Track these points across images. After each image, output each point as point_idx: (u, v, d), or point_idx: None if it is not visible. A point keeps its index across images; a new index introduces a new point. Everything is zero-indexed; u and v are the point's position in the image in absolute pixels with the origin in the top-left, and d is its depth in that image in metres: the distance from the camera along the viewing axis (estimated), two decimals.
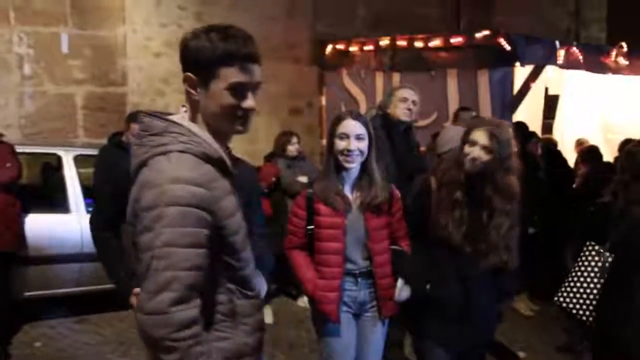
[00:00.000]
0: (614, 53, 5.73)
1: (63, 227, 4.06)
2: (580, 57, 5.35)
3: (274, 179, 4.49)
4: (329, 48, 6.14)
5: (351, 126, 2.28)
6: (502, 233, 2.29)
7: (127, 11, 5.59)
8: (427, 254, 2.37)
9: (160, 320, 1.17)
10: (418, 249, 2.44)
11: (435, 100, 4.83)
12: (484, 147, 2.22)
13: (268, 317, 4.40)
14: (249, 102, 1.33)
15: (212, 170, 1.29)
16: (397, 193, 2.43)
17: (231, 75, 1.29)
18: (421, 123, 4.66)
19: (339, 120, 2.33)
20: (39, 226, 4.00)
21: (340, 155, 2.27)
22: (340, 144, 2.27)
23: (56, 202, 4.24)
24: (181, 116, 1.37)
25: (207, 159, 1.29)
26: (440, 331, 2.36)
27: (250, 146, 5.31)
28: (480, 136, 2.25)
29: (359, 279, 2.35)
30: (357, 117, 2.35)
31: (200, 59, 1.29)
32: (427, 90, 4.85)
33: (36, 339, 3.96)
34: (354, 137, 2.26)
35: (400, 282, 2.37)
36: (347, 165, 2.28)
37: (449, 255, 2.30)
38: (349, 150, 2.25)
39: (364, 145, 2.28)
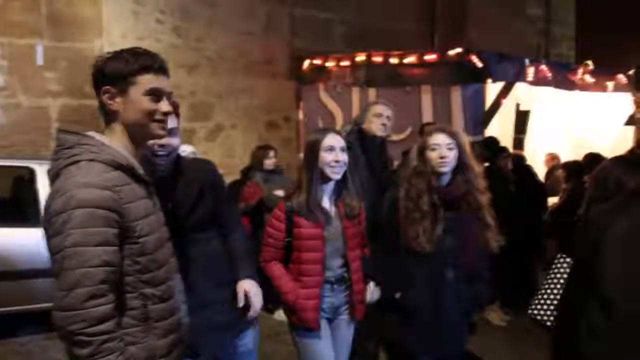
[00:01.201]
0: (580, 71, 5.94)
1: (35, 241, 3.99)
2: (549, 75, 5.53)
3: (257, 198, 4.50)
4: (306, 63, 6.23)
5: (336, 140, 2.42)
6: (488, 218, 2.40)
7: (104, 24, 5.59)
8: (397, 264, 2.46)
9: (75, 315, 1.26)
10: (389, 259, 2.53)
11: (410, 115, 4.93)
12: (447, 145, 2.36)
13: None
14: (166, 106, 1.46)
15: (121, 176, 1.39)
16: (362, 204, 2.57)
17: (149, 81, 1.43)
18: (396, 137, 4.74)
19: (323, 135, 2.43)
20: (11, 240, 3.94)
21: (327, 167, 2.39)
22: (328, 157, 2.38)
23: (28, 215, 4.18)
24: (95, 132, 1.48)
25: (117, 166, 1.39)
26: (411, 340, 2.43)
27: (227, 160, 5.34)
28: (439, 138, 2.39)
29: (335, 285, 2.47)
30: (337, 132, 2.53)
31: (118, 71, 1.42)
32: (402, 106, 4.95)
33: (5, 357, 3.88)
34: (339, 149, 2.40)
35: (371, 284, 2.54)
36: (334, 176, 2.41)
37: (419, 264, 2.38)
38: (336, 162, 2.38)
39: (346, 157, 2.43)
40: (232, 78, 6.17)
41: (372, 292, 2.56)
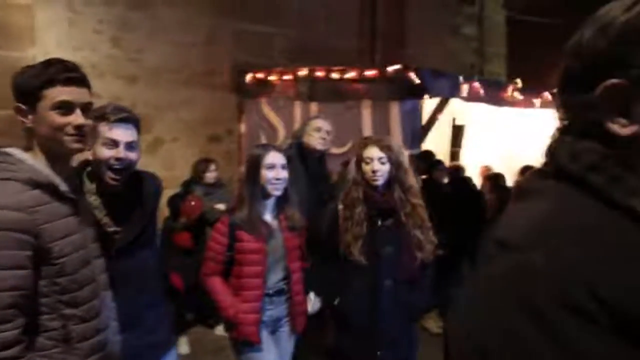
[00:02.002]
0: (510, 88, 6.29)
1: None
2: (481, 91, 5.81)
3: (198, 212, 4.45)
4: (249, 76, 6.24)
5: (277, 157, 2.49)
6: (424, 227, 2.49)
7: (37, 32, 5.39)
8: (336, 271, 2.53)
9: None
10: (329, 267, 2.59)
11: (351, 129, 5.04)
12: (380, 159, 2.46)
13: (184, 347, 4.31)
14: (77, 119, 1.41)
15: (40, 195, 1.35)
16: (304, 218, 2.66)
17: (56, 94, 1.38)
18: (337, 151, 4.84)
19: (264, 152, 2.47)
20: None
21: (269, 185, 2.44)
22: (269, 174, 2.44)
23: None
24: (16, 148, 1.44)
25: (36, 184, 1.35)
26: (347, 345, 2.49)
27: (167, 172, 5.24)
28: (372, 152, 2.49)
29: (274, 298, 2.51)
30: (278, 149, 2.61)
31: (25, 86, 1.39)
32: (343, 120, 5.08)
33: None
34: (280, 166, 2.46)
35: (312, 295, 2.57)
36: (275, 192, 2.46)
37: (357, 273, 2.45)
38: (277, 179, 2.43)
39: (286, 174, 2.50)
40: (173, 90, 6.10)
41: (313, 303, 2.62)
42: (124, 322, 1.74)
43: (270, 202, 2.52)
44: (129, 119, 1.85)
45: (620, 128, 0.70)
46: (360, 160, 2.55)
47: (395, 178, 2.52)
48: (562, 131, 0.79)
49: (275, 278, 2.51)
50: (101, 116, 1.74)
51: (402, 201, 2.51)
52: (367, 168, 2.51)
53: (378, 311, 2.44)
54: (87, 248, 1.47)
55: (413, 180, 2.57)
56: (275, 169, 2.45)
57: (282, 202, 2.54)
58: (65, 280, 1.36)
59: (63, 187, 1.43)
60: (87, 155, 1.83)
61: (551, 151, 0.78)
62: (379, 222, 2.50)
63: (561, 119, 0.79)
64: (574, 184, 0.72)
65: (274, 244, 2.48)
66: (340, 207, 2.58)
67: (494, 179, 5.03)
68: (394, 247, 2.46)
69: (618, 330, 0.61)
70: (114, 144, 1.80)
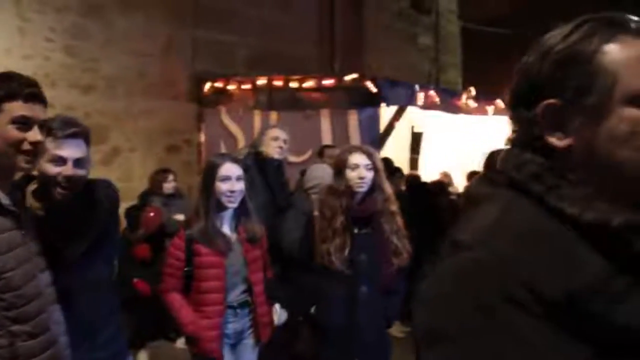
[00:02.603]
0: (464, 96, 6.48)
1: None
2: (437, 99, 5.96)
3: (157, 224, 4.37)
4: (208, 86, 6.21)
5: (232, 169, 2.43)
6: (400, 234, 2.51)
7: None
8: (312, 280, 2.52)
9: None
10: (304, 277, 2.59)
11: (310, 138, 5.08)
12: (367, 166, 2.46)
13: None
14: (35, 136, 1.40)
15: None
16: (264, 228, 2.60)
17: (14, 109, 1.36)
18: (297, 159, 4.87)
19: (219, 164, 2.44)
20: None
21: (223, 197, 2.39)
22: (224, 186, 2.39)
23: None
24: None
25: None
26: (326, 355, 2.49)
27: (124, 184, 5.15)
28: (359, 158, 2.49)
29: (238, 310, 2.47)
30: (234, 160, 2.55)
31: None
32: (302, 129, 5.12)
33: None
34: (235, 178, 2.41)
35: (277, 306, 2.54)
36: (230, 205, 2.41)
37: (333, 282, 2.45)
38: (232, 192, 2.38)
39: (242, 185, 2.44)
40: (130, 100, 6.00)
41: (280, 314, 2.58)
42: (77, 336, 1.70)
43: (228, 214, 2.47)
44: (78, 134, 1.81)
45: (558, 141, 0.80)
46: (343, 167, 2.52)
47: (377, 185, 2.53)
48: (511, 143, 0.89)
49: (237, 291, 2.46)
50: (48, 131, 1.69)
51: (379, 210, 2.51)
52: (352, 175, 2.48)
53: (355, 318, 2.44)
54: (32, 262, 1.43)
55: (391, 191, 2.58)
56: (230, 181, 2.40)
57: (240, 214, 2.50)
58: (11, 296, 1.33)
59: (5, 200, 1.39)
60: None
61: (502, 161, 0.87)
62: (356, 230, 2.50)
63: (511, 132, 0.89)
64: (520, 191, 0.81)
65: (234, 257, 2.44)
66: (317, 215, 2.56)
67: (435, 186, 5.15)
68: (369, 255, 2.46)
69: (552, 319, 0.70)
70: (62, 161, 1.75)
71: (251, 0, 7.06)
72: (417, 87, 5.72)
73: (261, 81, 5.76)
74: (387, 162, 4.95)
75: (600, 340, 0.71)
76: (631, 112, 0.75)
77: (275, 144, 3.49)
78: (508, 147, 0.88)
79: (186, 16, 6.45)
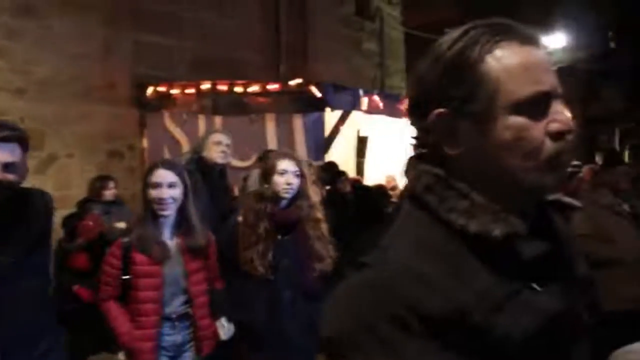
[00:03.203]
0: (406, 101, 6.63)
1: None
2: (381, 104, 6.08)
3: (97, 232, 4.22)
4: (150, 90, 6.07)
5: (163, 175, 2.35)
6: (324, 240, 2.53)
7: None
8: (237, 287, 2.51)
9: None
10: (229, 283, 2.57)
11: (255, 142, 5.07)
12: (295, 172, 2.48)
13: None
14: None
15: None
16: (212, 236, 2.54)
17: None
18: (242, 164, 4.85)
19: (151, 169, 2.39)
20: None
21: (154, 204, 2.32)
22: (153, 193, 2.32)
23: None
24: None
25: None
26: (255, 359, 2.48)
27: (61, 192, 4.96)
28: (288, 164, 2.51)
29: (177, 323, 2.39)
30: (168, 166, 2.44)
31: None
32: (247, 134, 5.10)
33: None
34: (166, 185, 2.34)
35: (223, 320, 2.48)
36: (161, 213, 2.34)
37: (258, 288, 2.45)
38: (161, 199, 2.31)
39: (176, 192, 2.37)
40: (67, 104, 5.77)
41: (226, 328, 2.53)
42: (13, 347, 1.63)
43: (168, 221, 2.40)
44: (10, 137, 1.74)
45: (450, 150, 0.80)
46: (271, 173, 2.53)
47: (302, 192, 2.55)
48: (414, 153, 0.88)
49: (176, 302, 2.39)
50: None
51: (303, 216, 2.54)
52: (280, 180, 2.50)
53: (279, 322, 2.46)
54: None
55: (316, 198, 2.62)
56: (160, 188, 2.33)
57: (181, 221, 2.44)
58: None
59: None
60: None
61: (404, 172, 0.87)
62: (280, 236, 2.51)
63: (412, 140, 0.88)
64: (418, 204, 0.82)
65: (172, 267, 2.37)
66: (240, 221, 2.56)
67: (377, 191, 5.26)
68: (292, 259, 2.49)
69: (439, 338, 0.70)
70: None
71: (196, 4, 6.96)
72: (361, 92, 5.82)
73: (205, 85, 5.69)
74: (331, 166, 5.01)
75: (485, 353, 0.71)
76: (515, 119, 0.75)
77: (217, 149, 3.47)
78: (410, 156, 0.88)
79: (127, 19, 6.29)
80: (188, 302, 2.41)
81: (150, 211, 2.35)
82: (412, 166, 0.85)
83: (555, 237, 0.85)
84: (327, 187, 4.54)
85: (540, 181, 0.77)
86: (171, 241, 2.40)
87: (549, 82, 0.78)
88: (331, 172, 4.80)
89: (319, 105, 5.28)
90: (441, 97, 0.79)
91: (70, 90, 5.79)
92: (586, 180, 5.20)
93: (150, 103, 6.10)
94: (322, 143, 5.45)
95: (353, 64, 9.11)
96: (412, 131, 0.87)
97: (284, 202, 2.54)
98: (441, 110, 0.79)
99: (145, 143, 6.31)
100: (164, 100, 5.97)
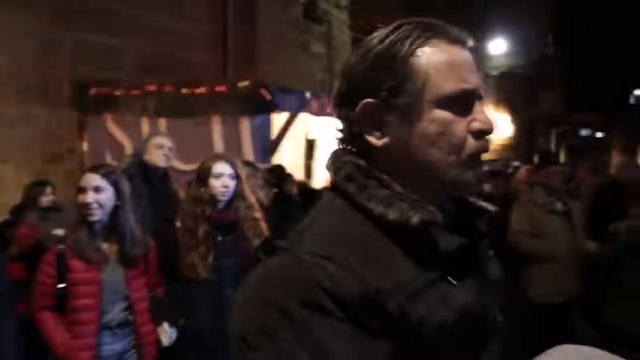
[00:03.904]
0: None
1: None
2: (329, 107, 6.12)
3: (33, 240, 4.03)
4: (92, 91, 5.87)
5: (89, 179, 2.33)
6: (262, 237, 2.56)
7: None
8: (179, 291, 2.49)
9: None
10: (171, 289, 2.55)
11: (201, 145, 5.00)
12: (230, 175, 2.51)
13: None
14: None
15: None
16: (152, 241, 2.51)
17: None
18: (187, 168, 4.76)
19: (82, 174, 2.35)
20: None
21: (81, 210, 2.27)
22: (79, 198, 2.28)
23: None
24: None
25: None
26: None
27: None
28: (223, 167, 2.53)
29: (117, 330, 2.35)
30: (97, 169, 2.41)
31: None
32: (193, 136, 5.02)
33: None
34: (92, 189, 2.29)
35: (165, 325, 2.45)
36: (88, 218, 2.29)
37: (200, 291, 2.45)
38: (86, 203, 2.26)
39: (103, 197, 2.32)
40: (2, 105, 5.50)
41: (168, 333, 2.50)
42: None
43: (103, 227, 2.37)
44: None
45: (375, 140, 0.83)
46: (207, 176, 2.55)
47: (238, 193, 2.58)
48: (338, 143, 0.90)
49: (116, 309, 2.35)
50: None
51: (245, 215, 2.58)
52: (217, 183, 2.53)
53: (224, 324, 2.45)
54: None
55: (252, 199, 2.66)
56: (85, 192, 2.29)
57: (113, 227, 2.39)
58: None
59: None
60: None
61: (329, 162, 0.89)
62: (219, 238, 2.53)
63: (337, 132, 0.90)
64: (339, 192, 0.83)
65: (111, 273, 2.33)
66: (179, 224, 2.55)
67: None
68: (234, 259, 2.50)
69: (353, 321, 0.72)
70: None
71: (142, 4, 6.79)
72: (308, 94, 5.85)
73: (150, 87, 5.56)
74: (278, 168, 5.01)
75: (399, 340, 0.73)
76: (440, 114, 0.79)
77: (160, 152, 3.41)
78: (335, 149, 0.90)
79: (70, 17, 6.05)
80: (128, 308, 2.37)
81: (81, 217, 2.31)
82: (336, 158, 0.87)
83: (474, 237, 0.88)
84: (274, 190, 4.55)
85: (460, 176, 0.81)
86: (110, 246, 2.35)
87: (474, 81, 0.82)
88: (278, 174, 4.80)
89: (266, 108, 5.27)
90: (369, 89, 0.81)
91: (5, 90, 5.51)
92: (523, 180, 5.44)
93: (91, 105, 5.90)
94: (269, 145, 5.44)
95: (301, 67, 9.14)
96: (338, 124, 0.89)
97: (221, 204, 2.56)
98: (369, 100, 0.81)
99: (85, 146, 6.09)
100: (107, 102, 5.79)
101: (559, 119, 22.40)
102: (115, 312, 2.34)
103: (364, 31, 10.96)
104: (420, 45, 0.80)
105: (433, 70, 0.80)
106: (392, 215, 0.77)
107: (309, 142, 7.11)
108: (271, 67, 7.97)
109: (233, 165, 2.59)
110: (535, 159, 11.78)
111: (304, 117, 6.20)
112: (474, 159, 0.81)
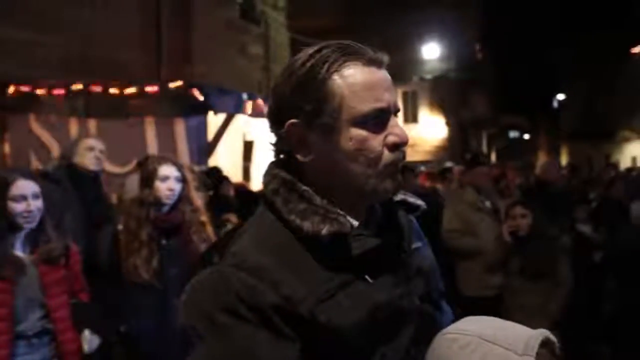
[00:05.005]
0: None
1: None
2: (265, 108, 6.10)
3: None
4: (12, 90, 5.54)
5: (27, 187, 2.21)
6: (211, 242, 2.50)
7: None
8: (120, 297, 2.40)
9: None
10: (111, 292, 2.46)
11: (134, 147, 4.85)
12: (177, 177, 2.45)
13: None
14: None
15: None
16: (75, 246, 2.41)
17: None
18: (119, 170, 4.61)
19: (10, 181, 2.21)
20: None
21: (19, 218, 2.17)
22: (19, 207, 2.17)
23: None
24: None
25: None
26: None
27: None
28: (169, 170, 2.47)
29: (34, 340, 2.23)
30: (28, 176, 2.30)
31: None
32: (125, 138, 4.86)
33: None
34: (32, 196, 2.19)
35: (87, 332, 2.36)
36: (27, 226, 2.22)
37: (143, 294, 2.37)
38: (29, 212, 2.17)
39: (41, 202, 2.23)
40: None
41: (90, 340, 2.40)
42: None
43: (21, 235, 2.24)
44: None
45: (302, 157, 0.89)
46: (152, 179, 2.47)
47: (184, 196, 2.53)
48: (274, 156, 0.96)
49: (32, 318, 2.22)
50: None
51: (190, 219, 2.52)
52: (162, 186, 2.46)
53: (168, 330, 2.39)
54: None
55: (200, 202, 2.61)
56: (25, 201, 2.18)
57: (37, 232, 2.28)
58: None
59: None
60: None
61: (262, 176, 0.95)
62: (164, 242, 2.46)
63: (271, 146, 0.96)
64: (268, 205, 0.90)
65: (27, 281, 2.20)
66: (121, 228, 2.46)
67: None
68: (178, 266, 2.44)
69: (267, 326, 0.80)
70: None
71: None
72: (245, 95, 5.81)
73: (77, 86, 5.32)
74: (215, 170, 4.93)
75: (317, 342, 0.82)
76: (357, 132, 0.86)
77: (91, 155, 3.27)
78: (269, 162, 0.96)
79: None
80: (46, 316, 2.26)
81: (9, 225, 2.18)
82: (269, 170, 0.93)
83: (398, 233, 0.97)
84: (210, 192, 4.47)
85: (380, 186, 0.88)
86: (25, 254, 2.24)
87: (387, 99, 0.89)
88: (214, 176, 4.72)
89: (201, 109, 5.18)
90: (293, 109, 0.88)
91: None
92: (455, 180, 5.65)
93: (12, 104, 5.57)
94: (205, 147, 5.36)
95: (238, 68, 9.05)
96: (271, 138, 0.94)
97: (166, 207, 2.49)
98: (294, 120, 0.88)
99: (6, 148, 5.74)
100: (29, 101, 5.49)
101: (490, 121, 23.47)
102: (32, 321, 2.22)
103: (302, 32, 11.02)
104: (338, 69, 0.86)
105: (349, 92, 0.86)
106: (305, 227, 0.85)
107: (247, 143, 7.07)
108: (207, 67, 7.83)
109: (180, 168, 2.53)
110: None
111: (241, 119, 6.15)
112: (391, 169, 0.88)
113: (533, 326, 0.86)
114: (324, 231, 0.84)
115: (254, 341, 0.79)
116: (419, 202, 1.03)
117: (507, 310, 3.29)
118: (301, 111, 0.87)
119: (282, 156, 0.93)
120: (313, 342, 0.81)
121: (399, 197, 1.00)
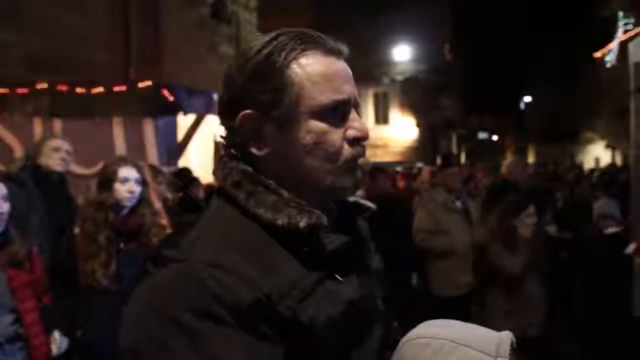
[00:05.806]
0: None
1: None
2: None
3: None
4: None
5: None
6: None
7: None
8: (77, 301, 2.36)
9: None
10: (68, 298, 2.41)
11: (101, 148, 4.75)
12: (137, 179, 2.40)
13: None
14: None
15: None
16: (35, 249, 2.36)
17: None
18: (87, 172, 4.50)
19: None
20: None
21: None
22: None
23: None
24: None
25: None
26: None
27: None
28: (130, 172, 2.42)
29: (6, 346, 2.18)
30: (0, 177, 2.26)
31: None
32: (92, 138, 4.75)
33: None
34: (2, 199, 2.15)
35: (56, 334, 2.33)
36: None
37: (100, 299, 2.33)
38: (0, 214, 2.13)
39: (8, 205, 2.19)
40: None
41: (59, 342, 2.36)
42: None
43: None
44: None
45: (257, 150, 0.83)
46: (112, 180, 2.42)
47: (144, 199, 2.49)
48: (224, 150, 0.89)
49: (3, 323, 2.17)
50: None
51: (150, 222, 2.48)
52: (122, 188, 2.41)
53: None
54: None
55: (158, 205, 2.57)
56: None
57: (2, 236, 2.22)
58: None
59: None
60: None
61: (215, 170, 0.88)
62: (122, 245, 2.41)
63: (222, 139, 0.89)
64: (227, 199, 0.83)
65: None
66: (78, 231, 2.41)
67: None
68: (137, 269, 2.40)
69: (245, 327, 0.72)
70: None
71: None
72: (215, 95, 5.75)
73: (42, 85, 5.17)
74: (184, 171, 4.87)
75: (292, 340, 0.75)
76: (316, 124, 0.81)
77: (56, 156, 3.19)
78: (220, 156, 0.90)
79: None
80: (17, 321, 2.19)
81: None
82: (222, 164, 0.86)
83: (356, 234, 0.93)
84: (180, 193, 4.41)
85: (339, 182, 0.84)
86: None
87: (348, 91, 0.84)
88: (184, 177, 4.66)
89: (170, 109, 5.10)
90: (248, 100, 0.82)
91: None
92: (426, 181, 5.72)
93: None
94: (175, 148, 5.28)
95: (209, 68, 8.95)
96: (222, 131, 0.88)
97: (125, 210, 2.44)
98: (248, 111, 0.82)
99: None
100: None
101: (459, 122, 23.86)
102: (4, 327, 2.17)
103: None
104: (296, 57, 0.81)
105: (307, 82, 0.81)
106: (280, 220, 0.78)
107: (218, 144, 6.99)
108: (177, 67, 7.72)
109: (140, 170, 2.49)
110: (438, 160, 12.43)
111: (211, 119, 6.09)
112: (351, 165, 0.84)
113: (500, 327, 0.86)
114: (302, 224, 0.78)
115: (233, 346, 0.70)
116: (369, 204, 0.98)
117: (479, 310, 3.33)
118: (256, 102, 0.81)
119: (233, 151, 0.86)
120: (290, 345, 0.75)
121: (351, 198, 0.95)
